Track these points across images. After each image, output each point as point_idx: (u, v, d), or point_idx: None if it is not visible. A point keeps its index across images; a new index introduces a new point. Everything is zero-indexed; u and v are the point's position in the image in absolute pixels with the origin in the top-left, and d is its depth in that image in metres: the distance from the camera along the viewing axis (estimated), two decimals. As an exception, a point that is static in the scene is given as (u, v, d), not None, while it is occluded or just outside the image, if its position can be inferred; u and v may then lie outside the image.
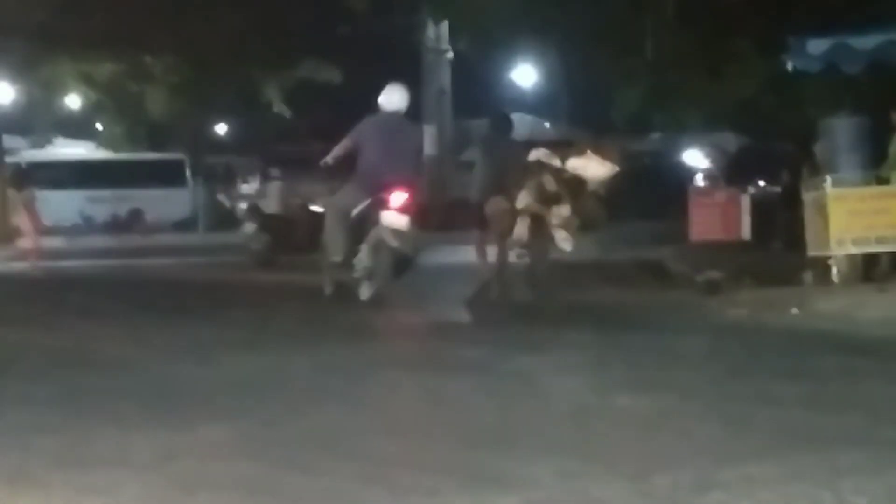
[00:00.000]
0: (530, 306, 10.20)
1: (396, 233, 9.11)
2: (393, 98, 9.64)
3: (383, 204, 9.05)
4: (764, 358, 7.19)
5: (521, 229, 10.83)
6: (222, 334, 8.10)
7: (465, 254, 12.37)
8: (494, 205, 10.91)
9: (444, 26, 22.37)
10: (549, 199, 10.82)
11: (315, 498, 3.64)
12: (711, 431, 4.64)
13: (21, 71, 25.51)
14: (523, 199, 10.82)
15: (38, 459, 4.10)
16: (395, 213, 9.08)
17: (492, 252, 11.18)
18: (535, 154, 11.01)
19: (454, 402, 5.48)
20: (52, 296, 12.58)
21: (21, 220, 16.12)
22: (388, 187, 9.06)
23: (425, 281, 11.28)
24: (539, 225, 10.84)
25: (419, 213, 10.26)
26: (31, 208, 16.17)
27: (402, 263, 9.87)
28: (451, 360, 6.94)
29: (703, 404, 5.28)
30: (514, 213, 10.91)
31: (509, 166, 11.04)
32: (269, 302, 11.21)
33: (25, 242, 16.16)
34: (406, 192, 9.16)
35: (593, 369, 6.40)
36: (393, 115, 9.66)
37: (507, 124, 11.93)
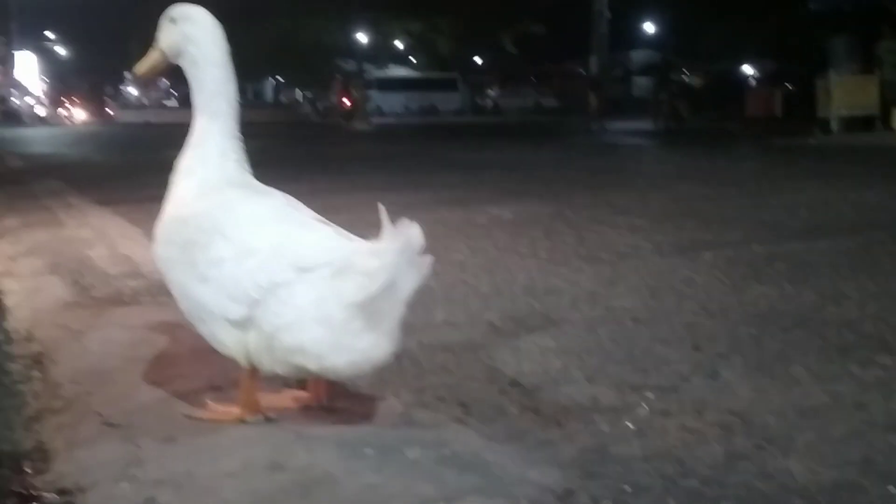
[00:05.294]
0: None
1: None
2: None
3: None
4: (799, 154, 12.70)
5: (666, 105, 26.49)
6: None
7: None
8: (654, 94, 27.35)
9: (605, -1, 40.29)
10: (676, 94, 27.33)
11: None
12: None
13: (373, 27, 46.82)
14: (661, 94, 26.89)
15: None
16: None
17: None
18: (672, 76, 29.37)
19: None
20: (386, 136, 28.69)
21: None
22: None
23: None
24: (674, 103, 26.28)
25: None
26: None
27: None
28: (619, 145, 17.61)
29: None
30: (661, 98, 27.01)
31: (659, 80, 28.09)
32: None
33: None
34: None
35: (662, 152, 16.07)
36: None
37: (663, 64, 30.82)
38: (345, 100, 39.40)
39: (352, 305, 1.92)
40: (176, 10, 2.32)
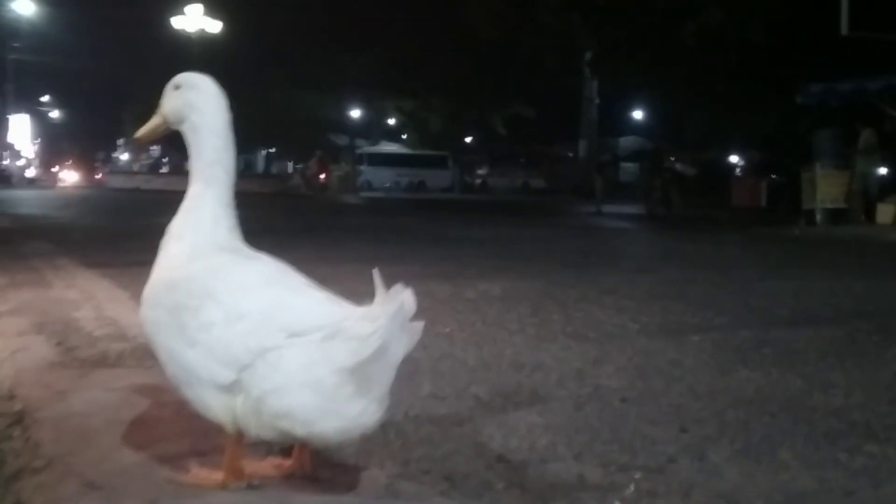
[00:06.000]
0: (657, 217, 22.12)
1: None
2: None
3: None
4: (784, 244, 12.89)
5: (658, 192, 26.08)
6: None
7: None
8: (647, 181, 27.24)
9: (595, 84, 40.90)
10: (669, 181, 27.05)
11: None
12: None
13: (366, 104, 47.41)
14: (656, 180, 26.51)
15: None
16: None
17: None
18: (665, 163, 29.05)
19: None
20: (374, 209, 30.86)
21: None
22: None
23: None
24: (666, 189, 25.98)
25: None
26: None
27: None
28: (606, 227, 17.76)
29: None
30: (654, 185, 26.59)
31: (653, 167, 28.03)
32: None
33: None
34: None
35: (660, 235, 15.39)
36: None
37: (656, 151, 30.40)
38: (322, 175, 39.94)
39: (343, 370, 1.91)
40: (181, 78, 2.36)
